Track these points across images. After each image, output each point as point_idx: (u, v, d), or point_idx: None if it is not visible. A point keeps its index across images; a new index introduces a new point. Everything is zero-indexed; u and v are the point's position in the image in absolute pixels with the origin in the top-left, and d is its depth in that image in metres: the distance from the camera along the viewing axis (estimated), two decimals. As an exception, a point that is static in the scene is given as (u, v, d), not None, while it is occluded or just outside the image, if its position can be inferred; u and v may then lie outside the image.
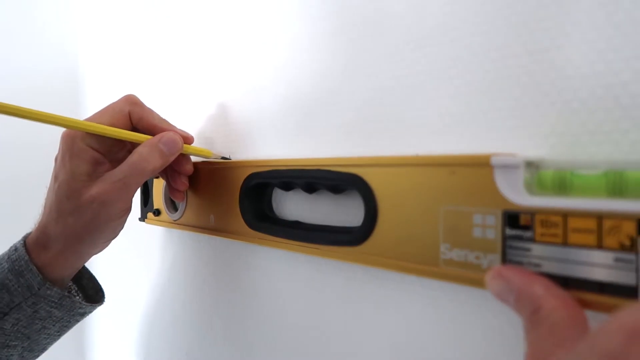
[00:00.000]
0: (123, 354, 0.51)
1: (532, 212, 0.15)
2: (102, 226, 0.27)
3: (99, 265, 0.45)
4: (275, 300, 0.29)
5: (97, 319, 0.58)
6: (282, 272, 0.28)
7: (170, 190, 0.33)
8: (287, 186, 0.26)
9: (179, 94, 0.39)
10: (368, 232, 0.21)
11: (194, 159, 0.33)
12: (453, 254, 0.17)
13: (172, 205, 0.37)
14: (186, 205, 0.34)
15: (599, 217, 0.14)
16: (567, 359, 0.11)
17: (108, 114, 0.28)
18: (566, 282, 0.14)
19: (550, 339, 0.13)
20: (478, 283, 0.16)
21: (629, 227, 0.13)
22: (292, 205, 0.28)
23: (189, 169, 0.31)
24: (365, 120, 0.23)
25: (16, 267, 0.28)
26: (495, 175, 0.16)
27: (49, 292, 0.29)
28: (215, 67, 0.34)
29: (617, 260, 0.13)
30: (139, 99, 0.29)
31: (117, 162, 0.28)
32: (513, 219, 0.16)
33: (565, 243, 0.14)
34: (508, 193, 0.16)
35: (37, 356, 0.32)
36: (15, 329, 0.29)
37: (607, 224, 0.13)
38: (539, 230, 0.15)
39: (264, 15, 0.29)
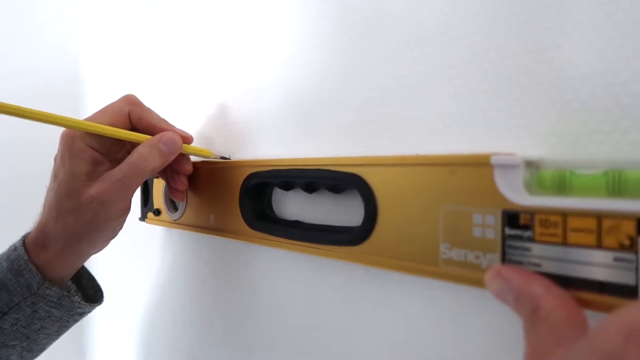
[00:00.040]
0: (123, 354, 0.51)
1: (532, 212, 0.15)
2: (101, 226, 0.27)
3: (99, 265, 0.45)
4: (275, 300, 0.29)
5: (97, 318, 0.58)
6: (282, 272, 0.28)
7: (169, 190, 0.33)
8: (287, 186, 0.26)
9: (179, 93, 0.39)
10: (368, 231, 0.21)
11: (193, 158, 0.33)
12: (453, 253, 0.17)
13: (172, 205, 0.37)
14: (186, 205, 0.34)
15: (599, 216, 0.14)
16: (566, 359, 0.11)
17: (107, 114, 0.28)
18: (566, 282, 0.14)
19: (550, 338, 0.13)
20: (478, 283, 0.16)
21: (629, 227, 0.13)
22: (292, 205, 0.28)
23: (189, 168, 0.31)
24: (365, 120, 0.23)
25: (15, 267, 0.28)
26: (495, 175, 0.16)
27: (48, 291, 0.29)
28: (215, 67, 0.34)
29: (616, 259, 0.13)
30: (138, 99, 0.29)
31: (117, 161, 0.28)
32: (513, 218, 0.16)
33: (564, 243, 0.14)
34: (508, 193, 0.16)
35: (36, 356, 0.32)
36: (15, 328, 0.29)
37: (606, 223, 0.13)
38: (538, 230, 0.15)
39: (264, 15, 0.29)
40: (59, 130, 0.27)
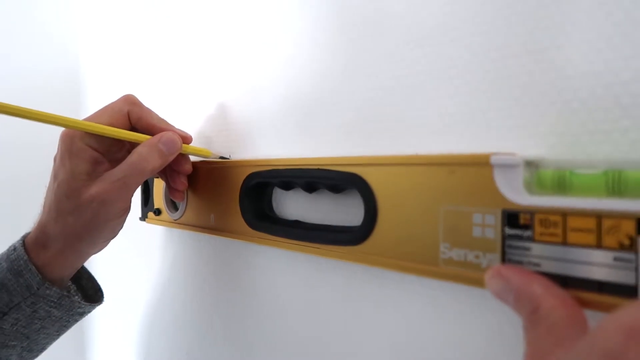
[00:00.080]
0: (123, 354, 0.51)
1: (532, 212, 0.15)
2: (101, 225, 0.27)
3: (99, 264, 0.45)
4: (275, 300, 0.29)
5: (97, 318, 0.58)
6: (282, 272, 0.28)
7: (169, 190, 0.33)
8: (287, 185, 0.26)
9: (179, 93, 0.39)
10: (368, 231, 0.21)
11: (194, 158, 0.33)
12: (453, 253, 0.17)
13: (172, 205, 0.37)
14: (186, 205, 0.34)
15: (598, 216, 0.14)
16: (566, 358, 0.11)
17: (107, 114, 0.28)
18: (565, 282, 0.14)
19: (549, 338, 0.13)
20: (477, 282, 0.16)
21: (628, 227, 0.13)
22: (292, 205, 0.28)
23: (188, 168, 0.31)
24: (365, 120, 0.23)
25: (15, 267, 0.28)
26: (495, 175, 0.16)
27: (48, 291, 0.29)
28: (215, 67, 0.34)
29: (616, 259, 0.13)
30: (137, 99, 0.29)
31: (117, 161, 0.28)
32: (512, 218, 0.16)
33: (564, 242, 0.14)
34: (507, 192, 0.16)
35: (36, 356, 0.32)
36: (15, 328, 0.29)
37: (606, 223, 0.13)
38: (538, 229, 0.15)
39: (264, 15, 0.29)
40: (59, 130, 0.27)
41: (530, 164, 0.16)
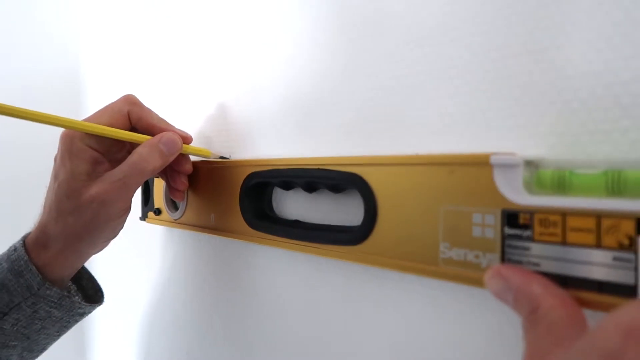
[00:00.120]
0: (123, 354, 0.51)
1: (531, 212, 0.15)
2: (101, 226, 0.27)
3: (99, 264, 0.45)
4: (275, 299, 0.29)
5: (97, 318, 0.58)
6: (282, 271, 0.28)
7: (170, 190, 0.33)
8: (287, 185, 0.26)
9: (179, 93, 0.39)
10: (368, 231, 0.21)
11: (194, 158, 0.33)
12: (452, 253, 0.17)
13: (172, 205, 0.37)
14: (186, 205, 0.34)
15: (598, 216, 0.14)
16: (565, 358, 0.11)
17: (107, 114, 0.28)
18: (565, 281, 0.14)
19: (549, 337, 0.13)
20: (477, 282, 0.16)
21: (628, 227, 0.13)
22: (292, 205, 0.28)
23: (188, 168, 0.31)
24: (365, 120, 0.23)
25: (15, 267, 0.28)
26: (495, 175, 0.16)
27: (48, 292, 0.29)
28: (215, 67, 0.34)
29: (615, 259, 0.13)
30: (137, 99, 0.29)
31: (117, 162, 0.28)
32: (512, 218, 0.16)
33: (564, 242, 0.14)
34: (507, 192, 0.16)
35: (37, 356, 0.32)
36: (15, 329, 0.29)
37: (605, 223, 0.13)
38: (537, 229, 0.15)
39: (264, 15, 0.29)
40: (59, 130, 0.27)
41: (530, 164, 0.16)
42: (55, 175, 0.28)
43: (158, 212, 0.37)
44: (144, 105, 0.29)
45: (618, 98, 0.15)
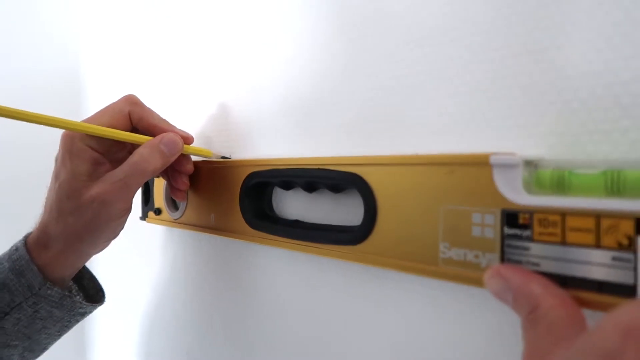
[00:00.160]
0: (124, 353, 0.51)
1: (531, 211, 0.15)
2: (102, 226, 0.28)
3: (100, 264, 0.45)
4: (275, 299, 0.29)
5: (98, 318, 0.58)
6: (282, 271, 0.28)
7: (171, 189, 0.33)
8: (287, 185, 0.26)
9: (180, 93, 0.39)
10: (367, 231, 0.21)
11: (194, 158, 0.33)
12: (452, 253, 0.17)
13: (172, 204, 0.37)
14: (187, 205, 0.34)
15: (597, 216, 0.14)
16: (564, 357, 0.11)
17: (108, 114, 0.28)
18: (564, 281, 0.14)
19: (548, 337, 0.13)
20: (477, 282, 0.16)
21: (627, 227, 0.13)
22: (292, 204, 0.28)
23: (190, 168, 0.32)
24: (365, 120, 0.23)
25: (17, 267, 0.28)
26: (494, 175, 0.16)
27: (49, 291, 0.29)
28: (216, 67, 0.34)
29: (615, 259, 0.13)
30: (138, 99, 0.29)
31: (118, 162, 0.28)
32: (512, 218, 0.16)
33: (563, 242, 0.14)
34: (507, 192, 0.16)
35: (38, 356, 0.32)
36: (16, 328, 0.29)
37: (605, 223, 0.13)
38: (537, 229, 0.15)
39: (265, 15, 0.29)
40: (59, 130, 0.27)
41: (530, 164, 0.16)
42: (56, 176, 0.28)
43: (158, 212, 0.37)
44: (145, 106, 0.29)
45: (618, 98, 0.15)
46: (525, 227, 0.15)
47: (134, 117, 0.29)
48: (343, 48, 0.24)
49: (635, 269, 0.13)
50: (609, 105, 0.15)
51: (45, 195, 0.30)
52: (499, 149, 0.18)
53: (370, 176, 0.21)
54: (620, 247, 0.13)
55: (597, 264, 0.14)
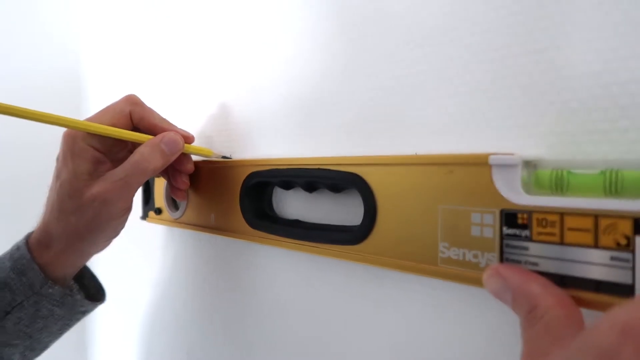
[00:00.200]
0: (124, 353, 0.51)
1: (530, 211, 0.15)
2: (103, 225, 0.28)
3: (100, 263, 0.45)
4: (275, 299, 0.29)
5: (98, 317, 0.58)
6: (283, 271, 0.29)
7: (171, 189, 0.33)
8: (287, 185, 0.26)
9: (181, 93, 0.39)
10: (367, 231, 0.21)
11: (195, 158, 0.33)
12: (451, 252, 0.17)
13: (173, 204, 0.37)
14: (187, 204, 0.34)
15: (596, 216, 0.14)
16: (562, 357, 0.11)
17: (109, 114, 0.28)
18: (563, 281, 0.15)
19: (547, 337, 0.13)
20: (476, 282, 0.17)
21: (625, 226, 0.13)
22: (292, 204, 0.28)
23: (190, 167, 0.32)
24: (365, 120, 0.23)
25: (18, 266, 0.28)
26: (494, 175, 0.16)
27: (50, 290, 0.29)
28: (217, 67, 0.34)
29: (613, 259, 0.13)
30: (139, 99, 0.29)
31: (119, 161, 0.28)
32: (510, 217, 0.16)
33: (562, 242, 0.14)
34: (506, 192, 0.16)
35: (39, 354, 0.32)
36: (17, 327, 0.29)
37: (603, 223, 0.13)
38: (536, 229, 0.15)
39: (265, 15, 0.29)
40: (60, 130, 0.28)
41: (529, 164, 0.16)
42: (58, 175, 0.28)
43: (159, 211, 0.37)
44: (146, 105, 0.29)
45: (617, 98, 0.15)
46: (524, 227, 0.15)
47: (135, 117, 0.29)
48: (343, 48, 0.24)
49: (633, 269, 0.13)
50: (607, 106, 0.15)
51: (47, 195, 0.30)
52: (499, 149, 0.18)
53: (370, 176, 0.21)
54: (618, 246, 0.13)
55: (596, 264, 0.14)
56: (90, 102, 0.60)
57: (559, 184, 0.15)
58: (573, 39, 0.16)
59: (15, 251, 0.29)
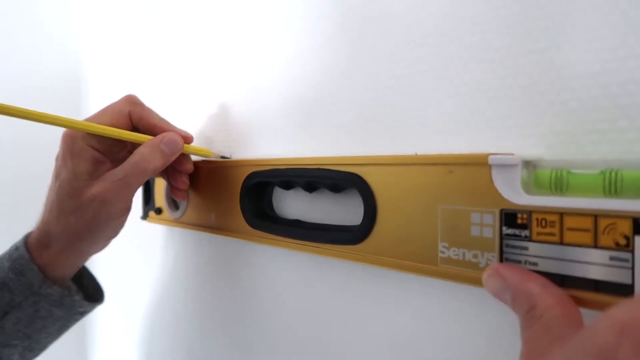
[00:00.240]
0: (124, 353, 0.51)
1: (529, 211, 0.15)
2: (102, 225, 0.28)
3: (101, 263, 0.45)
4: (275, 298, 0.29)
5: (98, 317, 0.58)
6: (283, 270, 0.29)
7: (171, 189, 0.33)
8: (287, 185, 0.26)
9: (181, 93, 0.39)
10: (367, 230, 0.21)
11: (195, 158, 0.33)
12: (451, 252, 0.17)
13: (173, 204, 0.37)
14: (187, 204, 0.34)
15: (595, 216, 0.14)
16: (561, 356, 0.11)
17: (108, 114, 0.28)
18: (562, 281, 0.15)
19: (546, 337, 0.13)
20: (476, 281, 0.17)
21: (624, 226, 0.13)
22: (292, 204, 0.28)
23: (189, 167, 0.32)
24: (365, 120, 0.23)
25: (17, 266, 0.28)
26: (493, 175, 0.16)
27: (49, 290, 0.29)
28: (216, 67, 0.34)
29: (612, 259, 0.13)
30: (139, 99, 0.29)
31: (118, 161, 0.28)
32: (510, 217, 0.16)
33: (561, 242, 0.14)
34: (505, 192, 0.16)
35: (37, 355, 0.32)
36: (16, 328, 0.29)
37: (602, 223, 0.14)
38: (535, 229, 0.15)
39: (265, 15, 0.29)
40: (60, 130, 0.28)
41: (529, 164, 0.16)
42: (57, 175, 0.28)
43: (159, 211, 0.38)
44: (145, 105, 0.29)
45: (616, 98, 0.15)
46: (523, 226, 0.15)
47: (134, 117, 0.29)
48: (343, 48, 0.24)
49: (632, 269, 0.13)
50: (607, 106, 0.15)
51: (46, 195, 0.30)
52: (499, 149, 0.18)
53: (370, 176, 0.21)
54: (617, 246, 0.13)
55: (595, 264, 0.14)
56: (90, 102, 0.60)
57: (559, 184, 0.15)
58: (573, 39, 0.16)
59: (14, 251, 0.29)
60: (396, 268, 0.20)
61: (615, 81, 0.15)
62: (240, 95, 0.32)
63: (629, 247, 0.13)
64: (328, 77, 0.25)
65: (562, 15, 0.16)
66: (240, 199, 0.29)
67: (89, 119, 0.28)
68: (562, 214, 0.14)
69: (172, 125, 0.30)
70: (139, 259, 0.47)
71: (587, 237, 0.14)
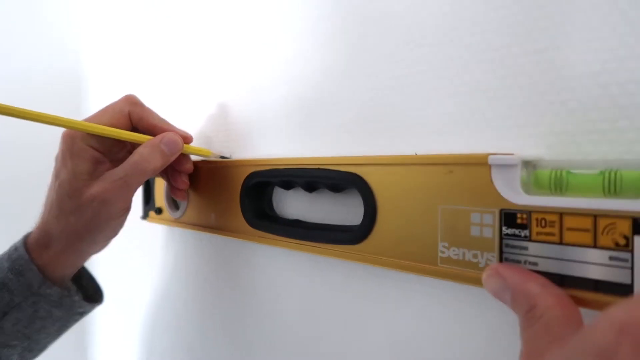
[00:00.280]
0: (125, 353, 0.51)
1: (529, 211, 0.15)
2: (102, 225, 0.28)
3: (101, 263, 0.45)
4: (275, 298, 0.29)
5: (98, 317, 0.58)
6: (283, 270, 0.29)
7: (171, 189, 0.33)
8: (288, 185, 0.26)
9: (180, 93, 0.39)
10: (367, 230, 0.21)
11: (194, 158, 0.33)
12: (451, 252, 0.17)
13: (173, 204, 0.37)
14: (187, 204, 0.34)
15: (595, 216, 0.14)
16: (560, 355, 0.11)
17: (108, 114, 0.28)
18: (562, 281, 0.15)
19: (545, 337, 0.13)
20: (476, 281, 0.17)
21: (624, 226, 0.13)
22: (293, 204, 0.28)
23: (189, 167, 0.32)
24: (365, 120, 0.23)
25: (16, 267, 0.28)
26: (493, 175, 0.16)
27: (49, 290, 0.29)
28: (216, 67, 0.34)
29: (611, 258, 0.13)
30: (138, 99, 0.29)
31: (118, 161, 0.28)
32: (510, 217, 0.16)
33: (561, 242, 0.14)
34: (505, 192, 0.16)
35: (37, 355, 0.32)
36: (16, 328, 0.29)
37: (602, 223, 0.14)
38: (535, 229, 0.15)
39: (265, 15, 0.29)
40: (59, 130, 0.28)
41: (528, 164, 0.16)
42: (57, 175, 0.28)
43: (159, 211, 0.38)
44: (145, 106, 0.29)
45: (616, 98, 0.15)
46: (523, 226, 0.15)
47: (134, 117, 0.29)
48: (343, 48, 0.24)
49: (631, 268, 0.13)
50: (606, 106, 0.15)
51: (45, 195, 0.30)
52: (499, 149, 0.18)
53: (370, 176, 0.21)
54: (617, 246, 0.13)
55: (595, 264, 0.14)
56: (90, 102, 0.60)
57: (558, 184, 0.15)
58: (573, 39, 0.16)
59: (13, 252, 0.29)
60: (396, 268, 0.20)
61: (615, 81, 0.15)
62: (240, 95, 0.32)
63: (628, 247, 0.13)
64: (328, 77, 0.25)
65: (562, 15, 0.16)
66: (240, 199, 0.29)
67: (89, 119, 0.28)
68: (561, 214, 0.14)
69: (171, 126, 0.30)
70: (139, 259, 0.47)
71: (587, 237, 0.14)
